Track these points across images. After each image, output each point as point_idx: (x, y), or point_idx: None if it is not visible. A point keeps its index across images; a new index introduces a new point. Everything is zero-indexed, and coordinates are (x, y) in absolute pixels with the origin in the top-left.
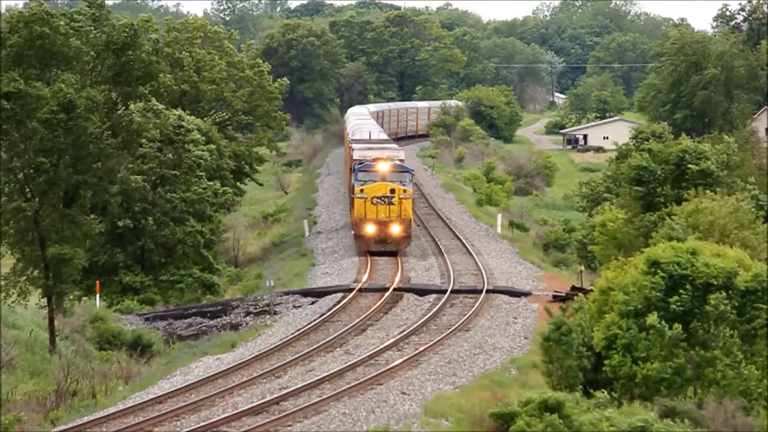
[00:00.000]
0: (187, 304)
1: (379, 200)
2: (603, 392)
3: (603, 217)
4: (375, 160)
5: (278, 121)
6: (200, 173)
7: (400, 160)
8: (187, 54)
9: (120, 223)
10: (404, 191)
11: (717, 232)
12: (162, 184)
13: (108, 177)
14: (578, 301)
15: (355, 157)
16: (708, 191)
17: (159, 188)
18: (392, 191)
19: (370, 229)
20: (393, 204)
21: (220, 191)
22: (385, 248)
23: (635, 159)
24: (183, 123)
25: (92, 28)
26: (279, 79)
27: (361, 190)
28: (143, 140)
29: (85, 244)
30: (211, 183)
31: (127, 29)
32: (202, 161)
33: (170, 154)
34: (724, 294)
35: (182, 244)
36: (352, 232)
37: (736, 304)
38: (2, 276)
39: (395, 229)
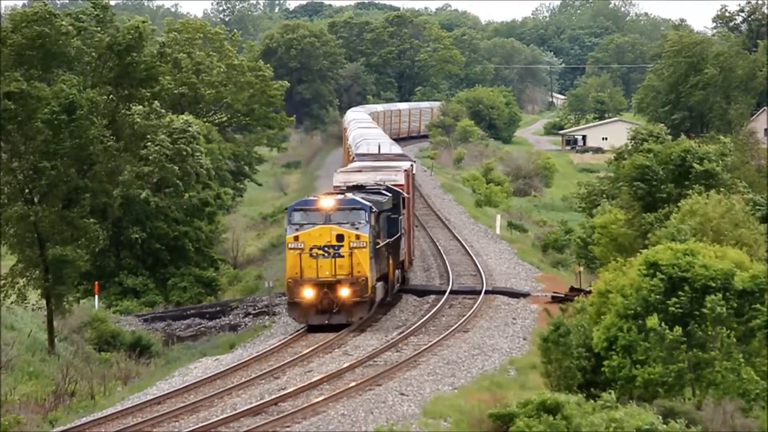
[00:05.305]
0: (187, 304)
1: (320, 251)
2: (610, 393)
3: (604, 218)
4: (326, 195)
5: (278, 122)
6: (204, 180)
7: (399, 186)
8: (186, 56)
9: (134, 236)
10: (357, 237)
11: (711, 232)
12: (165, 187)
13: (109, 179)
14: (579, 301)
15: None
16: (706, 191)
17: (162, 190)
18: (340, 238)
19: (307, 294)
20: (341, 256)
21: (224, 194)
22: (330, 321)
23: (637, 158)
24: (189, 128)
25: (96, 29)
26: (279, 81)
27: (296, 238)
28: (151, 145)
29: (87, 247)
30: (212, 191)
31: (132, 31)
32: (203, 170)
33: (176, 158)
34: (720, 296)
35: (189, 240)
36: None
37: (734, 305)
38: (1, 277)
39: (344, 293)
